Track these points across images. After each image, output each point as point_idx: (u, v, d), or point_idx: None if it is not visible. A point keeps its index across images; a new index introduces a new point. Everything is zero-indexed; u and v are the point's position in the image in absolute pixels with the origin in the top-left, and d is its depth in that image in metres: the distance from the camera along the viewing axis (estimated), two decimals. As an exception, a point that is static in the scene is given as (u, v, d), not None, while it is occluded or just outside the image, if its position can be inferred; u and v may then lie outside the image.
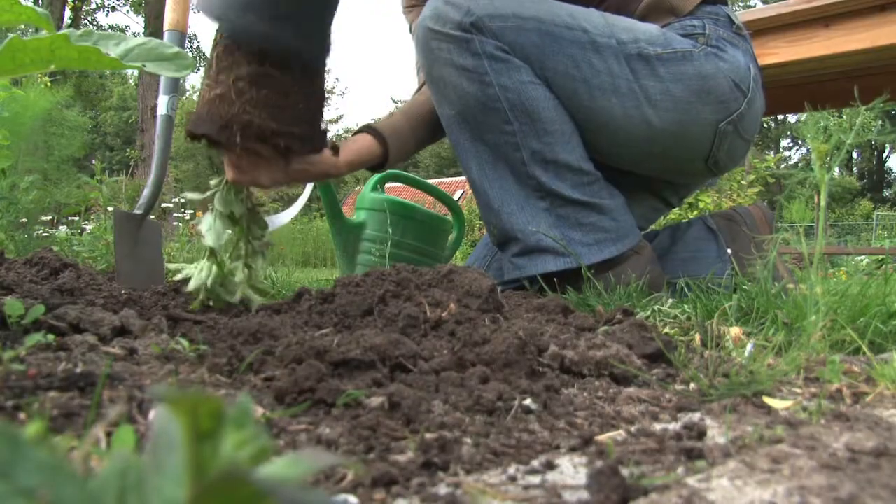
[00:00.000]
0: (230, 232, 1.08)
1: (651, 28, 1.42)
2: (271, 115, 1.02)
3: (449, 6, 1.34)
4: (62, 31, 0.69)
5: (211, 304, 1.05)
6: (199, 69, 18.67)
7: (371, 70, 71.50)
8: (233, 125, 1.00)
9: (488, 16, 1.32)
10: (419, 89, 1.66)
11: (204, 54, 18.46)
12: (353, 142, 1.42)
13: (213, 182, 1.13)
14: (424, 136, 1.59)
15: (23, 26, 0.73)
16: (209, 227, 1.06)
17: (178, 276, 1.08)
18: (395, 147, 1.47)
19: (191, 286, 1.03)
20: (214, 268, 1.04)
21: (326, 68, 1.12)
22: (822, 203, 0.88)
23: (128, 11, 18.26)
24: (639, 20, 1.46)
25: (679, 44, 1.41)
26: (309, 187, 1.57)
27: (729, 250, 1.44)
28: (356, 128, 1.52)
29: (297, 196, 1.61)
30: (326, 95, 1.13)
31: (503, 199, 1.39)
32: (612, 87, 1.36)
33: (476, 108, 1.35)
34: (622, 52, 1.36)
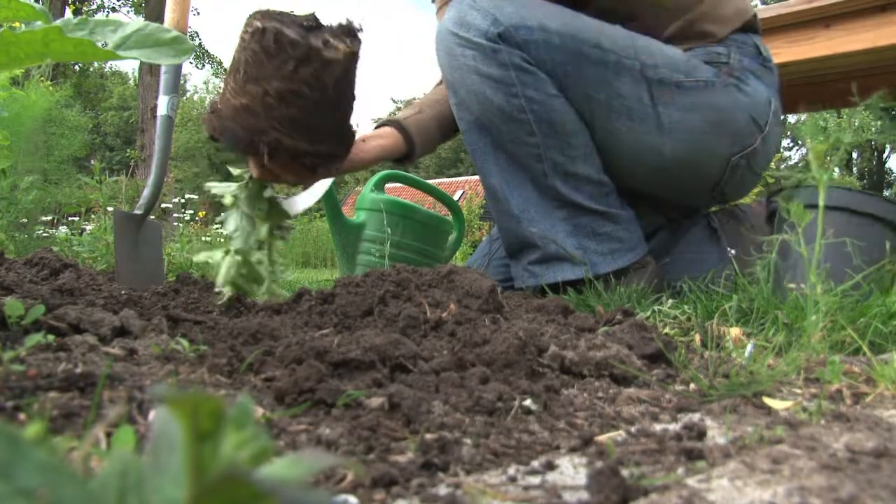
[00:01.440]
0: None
1: (676, 53, 1.40)
2: (300, 135, 0.99)
3: (475, 11, 1.32)
4: (56, 23, 0.68)
5: (236, 296, 1.03)
6: (202, 66, 18.64)
7: (371, 71, 71.57)
8: (261, 143, 0.97)
9: (514, 26, 1.31)
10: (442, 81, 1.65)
11: (207, 52, 18.37)
12: (379, 137, 1.42)
13: (235, 172, 1.10)
14: (450, 130, 1.59)
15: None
16: (236, 229, 1.03)
17: (200, 259, 1.07)
18: (420, 143, 1.48)
19: (220, 283, 1.01)
20: (238, 259, 1.02)
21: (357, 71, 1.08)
22: (821, 203, 0.88)
23: (128, 11, 18.26)
24: (665, 42, 1.44)
25: (701, 73, 1.38)
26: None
27: (732, 251, 1.44)
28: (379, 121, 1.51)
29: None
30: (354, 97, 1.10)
31: (524, 207, 1.39)
32: (628, 111, 1.35)
33: (498, 118, 1.35)
34: (643, 76, 1.35)
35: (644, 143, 1.37)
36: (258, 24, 0.95)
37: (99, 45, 0.70)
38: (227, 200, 1.09)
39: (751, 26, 1.49)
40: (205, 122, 1.05)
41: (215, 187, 1.13)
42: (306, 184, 1.18)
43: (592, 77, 1.34)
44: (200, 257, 1.08)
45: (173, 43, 0.73)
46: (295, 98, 0.96)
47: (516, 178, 1.39)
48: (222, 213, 1.09)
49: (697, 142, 1.38)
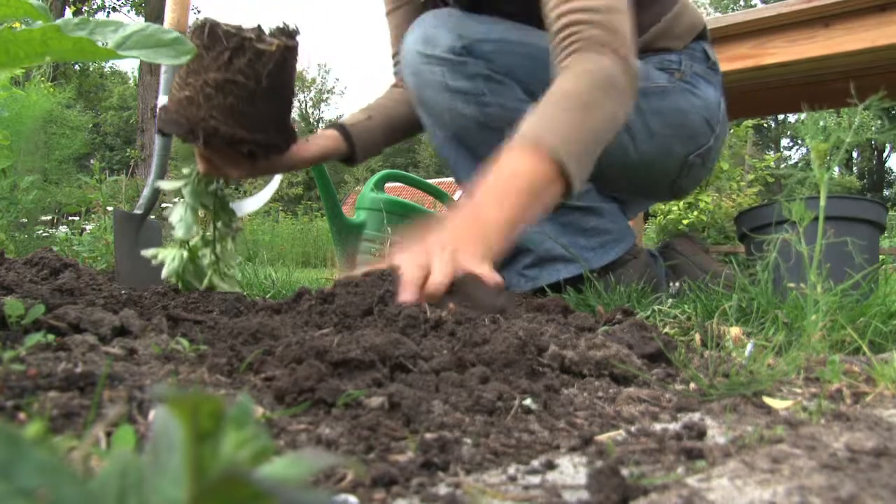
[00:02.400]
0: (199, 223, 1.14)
1: None
2: (237, 123, 1.06)
3: (439, 30, 1.35)
4: (56, 22, 0.68)
5: (180, 287, 1.10)
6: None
7: (369, 69, 71.56)
8: (199, 130, 1.04)
9: (478, 39, 1.34)
10: (396, 84, 1.67)
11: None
12: (323, 138, 1.46)
13: (185, 171, 1.17)
14: (398, 134, 1.62)
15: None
16: (180, 219, 1.10)
17: (155, 262, 1.13)
18: (361, 149, 1.51)
19: (164, 274, 1.08)
20: (185, 254, 1.08)
21: (298, 70, 1.15)
22: (822, 203, 0.88)
23: (128, 11, 18.26)
24: None
25: (658, 79, 1.43)
26: (278, 177, 1.60)
27: (677, 283, 1.47)
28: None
29: (268, 182, 1.63)
30: (296, 95, 1.17)
31: None
32: None
33: (474, 129, 1.36)
34: None
35: (612, 145, 1.39)
36: (199, 22, 1.05)
37: (99, 44, 0.70)
38: (175, 191, 1.18)
39: (701, 35, 1.55)
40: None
41: (164, 184, 1.21)
42: (248, 176, 1.24)
43: None
44: (149, 253, 1.14)
45: (174, 44, 0.74)
46: (231, 87, 1.04)
47: None
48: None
49: (660, 145, 1.44)
